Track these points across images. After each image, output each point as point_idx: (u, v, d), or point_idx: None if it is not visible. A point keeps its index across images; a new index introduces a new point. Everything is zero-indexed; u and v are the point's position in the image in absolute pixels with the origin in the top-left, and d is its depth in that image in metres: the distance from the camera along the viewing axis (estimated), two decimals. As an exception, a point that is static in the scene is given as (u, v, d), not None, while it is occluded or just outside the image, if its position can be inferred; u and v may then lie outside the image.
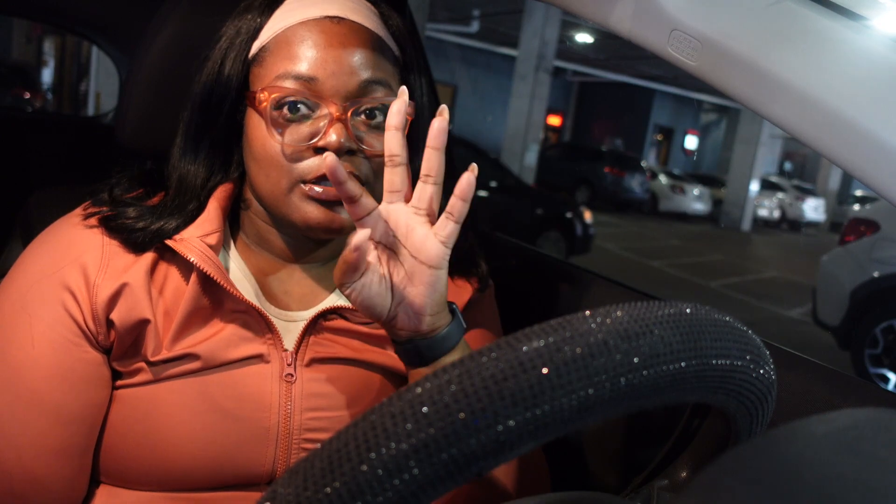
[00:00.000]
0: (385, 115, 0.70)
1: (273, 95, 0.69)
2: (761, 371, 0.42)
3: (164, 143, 0.80)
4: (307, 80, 0.69)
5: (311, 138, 0.69)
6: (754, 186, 16.61)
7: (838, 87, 0.60)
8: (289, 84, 0.69)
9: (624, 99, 22.88)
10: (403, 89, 0.65)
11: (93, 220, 0.73)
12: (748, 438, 0.48)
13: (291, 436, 0.73)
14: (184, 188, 0.75)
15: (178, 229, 0.72)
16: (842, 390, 0.78)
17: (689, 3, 0.67)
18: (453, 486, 0.33)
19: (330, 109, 0.68)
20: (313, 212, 0.70)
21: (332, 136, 0.67)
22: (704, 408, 0.53)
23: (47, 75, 13.60)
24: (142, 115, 0.88)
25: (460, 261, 0.85)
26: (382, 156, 0.68)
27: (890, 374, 4.69)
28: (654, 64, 16.09)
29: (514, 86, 12.83)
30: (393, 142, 0.63)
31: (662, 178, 17.15)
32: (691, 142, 26.10)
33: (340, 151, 0.68)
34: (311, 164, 0.69)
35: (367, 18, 0.74)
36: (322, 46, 0.69)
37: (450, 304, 0.70)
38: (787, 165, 25.60)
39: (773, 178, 20.20)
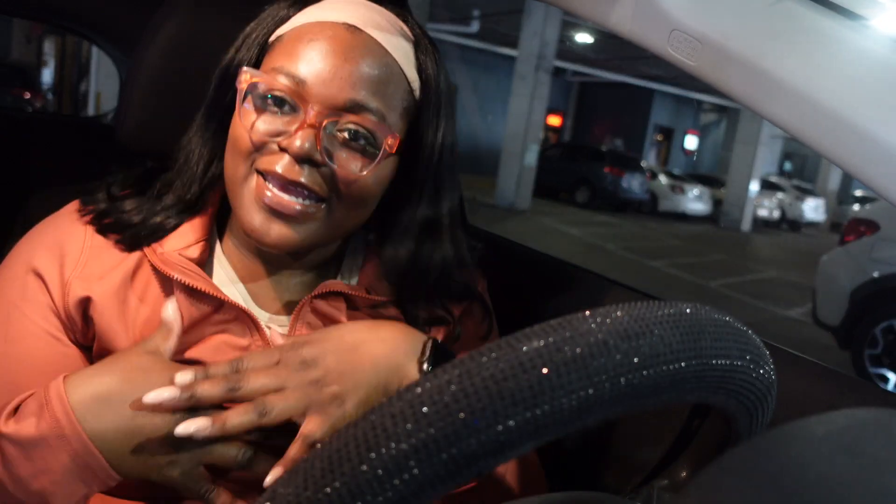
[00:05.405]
0: (372, 145, 0.67)
1: (254, 80, 0.67)
2: (761, 371, 0.42)
3: (165, 143, 0.80)
4: (297, 81, 0.66)
5: (279, 135, 0.67)
6: (754, 186, 16.62)
7: (838, 87, 0.60)
8: (280, 78, 0.67)
9: (624, 99, 22.89)
10: None
11: (86, 218, 0.72)
12: (748, 438, 0.48)
13: None
14: (186, 168, 0.74)
15: (174, 227, 0.72)
16: (842, 390, 0.78)
17: (689, 3, 0.67)
18: (453, 486, 0.33)
19: (307, 114, 0.65)
20: (255, 217, 0.68)
21: (297, 141, 0.64)
22: (704, 408, 0.53)
23: (47, 75, 13.60)
24: (142, 115, 0.88)
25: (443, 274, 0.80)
26: (353, 178, 0.67)
27: (890, 374, 4.69)
28: (654, 64, 16.09)
29: (514, 86, 12.83)
30: None
31: (662, 178, 17.14)
32: (691, 142, 26.11)
33: (300, 158, 0.65)
34: (270, 158, 0.67)
35: (389, 40, 0.70)
36: (324, 52, 0.66)
37: None
38: (787, 165, 25.62)
39: (773, 178, 20.21)
